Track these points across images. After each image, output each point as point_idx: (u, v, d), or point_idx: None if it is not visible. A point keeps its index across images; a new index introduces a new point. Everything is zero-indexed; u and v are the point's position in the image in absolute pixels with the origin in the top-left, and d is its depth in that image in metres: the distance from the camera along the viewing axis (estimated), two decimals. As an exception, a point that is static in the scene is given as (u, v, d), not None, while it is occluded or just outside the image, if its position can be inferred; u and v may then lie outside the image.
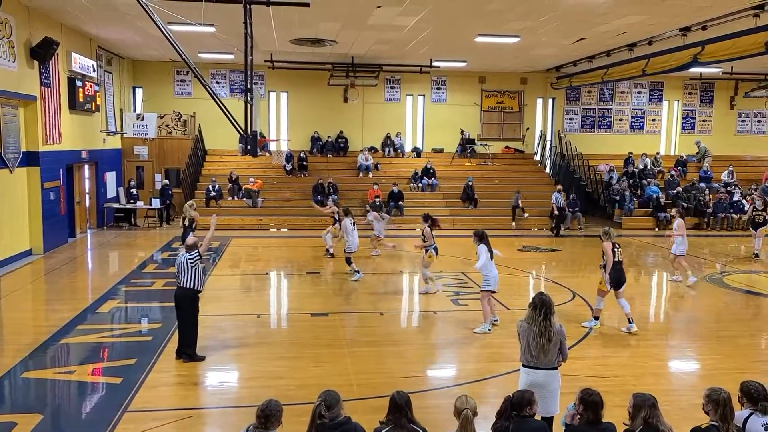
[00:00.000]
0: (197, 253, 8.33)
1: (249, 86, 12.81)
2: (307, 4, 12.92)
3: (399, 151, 25.18)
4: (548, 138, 26.60)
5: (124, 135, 22.06)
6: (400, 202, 21.78)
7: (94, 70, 18.90)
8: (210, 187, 21.57)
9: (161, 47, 18.78)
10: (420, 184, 23.39)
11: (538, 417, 4.80)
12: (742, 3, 13.07)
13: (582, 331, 9.88)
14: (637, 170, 24.46)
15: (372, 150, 24.71)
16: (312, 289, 12.95)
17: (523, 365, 5.58)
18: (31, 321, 10.52)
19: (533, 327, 5.47)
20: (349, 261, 13.72)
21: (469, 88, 25.63)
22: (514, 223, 21.63)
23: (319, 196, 21.26)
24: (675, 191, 22.67)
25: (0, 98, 13.98)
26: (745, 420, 4.57)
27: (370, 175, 23.52)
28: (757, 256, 16.80)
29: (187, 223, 15.10)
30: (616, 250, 9.78)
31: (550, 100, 26.40)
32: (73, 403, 7.39)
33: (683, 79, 26.13)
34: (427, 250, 11.97)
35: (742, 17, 13.77)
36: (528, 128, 26.28)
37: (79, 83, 17.69)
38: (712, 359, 8.99)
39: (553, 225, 20.68)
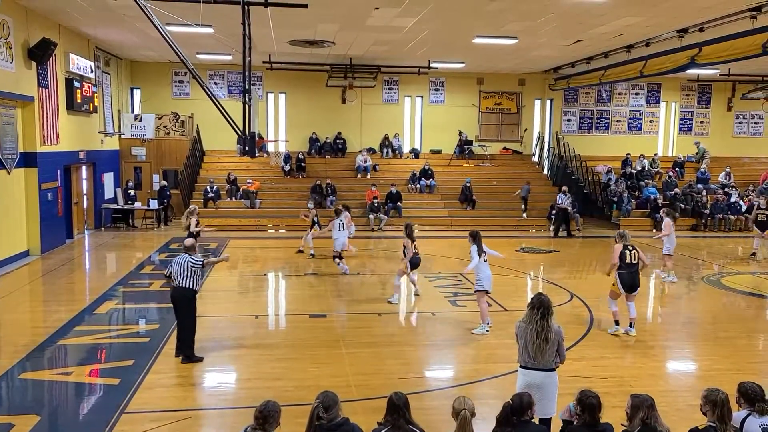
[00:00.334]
0: (201, 262, 8.34)
1: (247, 87, 12.81)
2: (305, 6, 12.92)
3: (397, 152, 25.19)
4: (546, 139, 26.63)
5: (122, 136, 22.02)
6: (399, 203, 21.79)
7: (91, 71, 18.87)
8: (208, 188, 21.56)
9: (159, 48, 18.75)
10: (418, 185, 23.40)
11: (535, 419, 4.80)
12: (739, 5, 13.10)
13: (580, 332, 9.90)
14: (634, 171, 24.51)
15: (370, 151, 24.73)
16: (310, 290, 12.93)
17: (521, 366, 5.57)
18: (28, 322, 10.49)
19: (530, 327, 5.46)
20: (335, 257, 13.89)
21: (468, 90, 25.64)
22: (525, 215, 21.90)
23: (316, 197, 21.29)
24: (672, 192, 22.71)
25: (-2, 99, 13.99)
26: (743, 421, 4.58)
27: (369, 176, 23.52)
28: (754, 255, 16.84)
29: (192, 230, 14.81)
30: (628, 252, 9.62)
31: (548, 102, 26.41)
32: (70, 405, 7.38)
33: (681, 80, 26.17)
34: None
35: (739, 19, 13.80)
36: (526, 129, 26.30)
37: (76, 84, 17.66)
38: (710, 360, 9.01)
39: (552, 226, 20.70)
